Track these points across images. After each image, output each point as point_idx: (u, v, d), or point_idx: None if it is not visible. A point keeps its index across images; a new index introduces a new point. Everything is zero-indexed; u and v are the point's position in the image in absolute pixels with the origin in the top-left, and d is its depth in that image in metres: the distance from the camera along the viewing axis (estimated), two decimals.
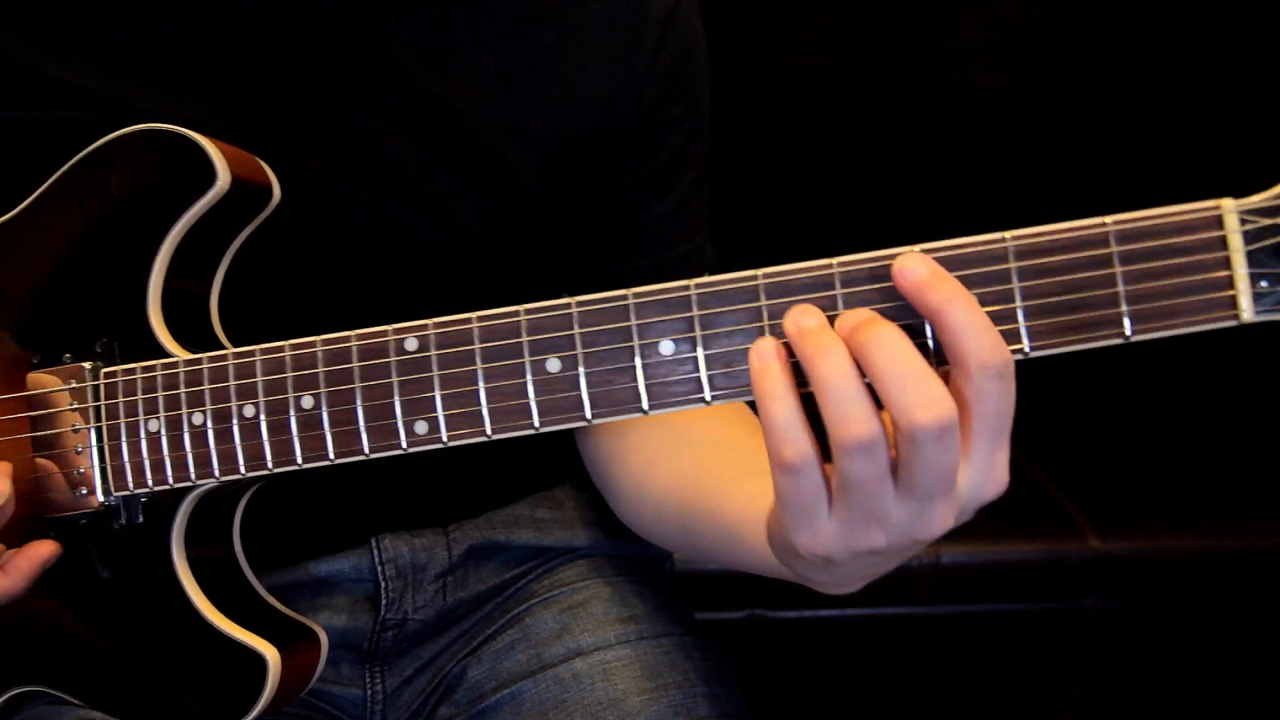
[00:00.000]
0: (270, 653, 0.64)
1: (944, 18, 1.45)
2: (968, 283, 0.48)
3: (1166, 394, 1.60)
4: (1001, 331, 0.47)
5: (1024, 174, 1.53)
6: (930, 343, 0.49)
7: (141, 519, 0.65)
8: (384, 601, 0.78)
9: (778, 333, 0.51)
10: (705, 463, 0.71)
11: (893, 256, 0.49)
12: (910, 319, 0.49)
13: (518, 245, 0.76)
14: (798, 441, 0.47)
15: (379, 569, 0.78)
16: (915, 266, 0.48)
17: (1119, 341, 0.47)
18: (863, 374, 0.47)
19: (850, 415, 0.46)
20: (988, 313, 0.48)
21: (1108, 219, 0.46)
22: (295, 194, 0.69)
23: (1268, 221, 0.44)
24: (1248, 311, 0.45)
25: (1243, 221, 0.45)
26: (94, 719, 0.68)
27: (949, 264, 0.49)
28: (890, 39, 1.47)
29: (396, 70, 0.70)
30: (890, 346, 0.46)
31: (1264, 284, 0.44)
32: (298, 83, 0.69)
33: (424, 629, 0.80)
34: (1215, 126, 1.45)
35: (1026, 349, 0.48)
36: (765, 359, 0.48)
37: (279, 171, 0.68)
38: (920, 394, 0.45)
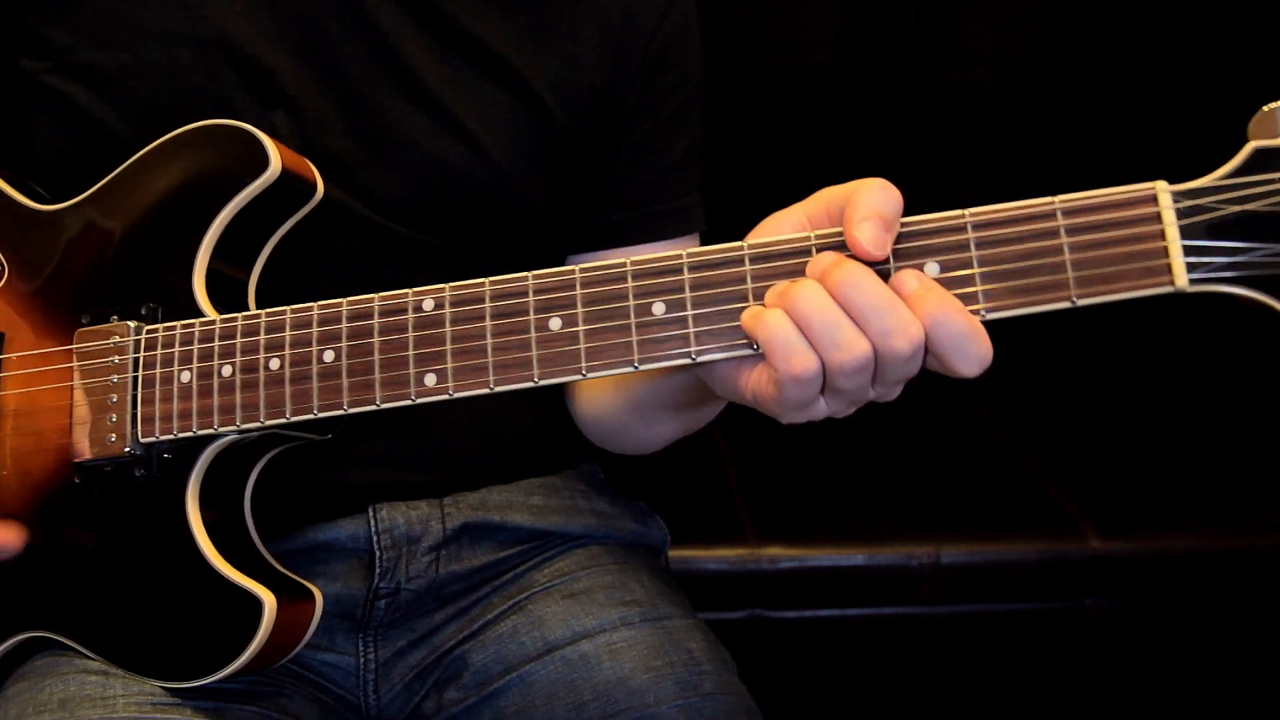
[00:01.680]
0: (268, 597, 0.67)
1: (944, 18, 1.47)
2: (931, 251, 0.54)
3: (1167, 394, 1.61)
4: (960, 295, 0.53)
5: (1022, 173, 1.54)
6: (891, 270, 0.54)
7: (161, 470, 0.69)
8: (378, 570, 0.80)
9: (760, 299, 0.56)
10: None
11: None
12: (878, 264, 0.54)
13: (543, 187, 0.82)
14: (805, 354, 0.54)
15: (375, 538, 0.80)
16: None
17: (1066, 305, 0.51)
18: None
19: (840, 340, 0.53)
20: (948, 278, 0.53)
21: (1055, 197, 0.51)
22: (347, 119, 0.76)
23: (1195, 202, 0.48)
24: (1182, 278, 0.50)
25: (1175, 199, 0.49)
26: (94, 667, 0.71)
27: (914, 235, 0.54)
28: (890, 39, 1.50)
29: (449, 11, 0.77)
30: (861, 284, 0.53)
31: (1195, 257, 0.49)
32: (356, 14, 0.76)
33: (416, 600, 0.82)
34: (1215, 126, 1.46)
35: (982, 312, 0.53)
36: (752, 310, 0.56)
37: (331, 98, 0.76)
38: (894, 321, 0.52)
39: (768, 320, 0.54)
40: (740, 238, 0.59)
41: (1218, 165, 0.51)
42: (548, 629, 0.79)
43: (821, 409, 0.56)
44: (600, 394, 0.84)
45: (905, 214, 0.54)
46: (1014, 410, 1.56)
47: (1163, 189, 0.50)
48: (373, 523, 0.81)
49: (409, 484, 0.83)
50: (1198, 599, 1.34)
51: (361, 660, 0.82)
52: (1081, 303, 0.51)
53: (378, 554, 0.80)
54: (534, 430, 0.89)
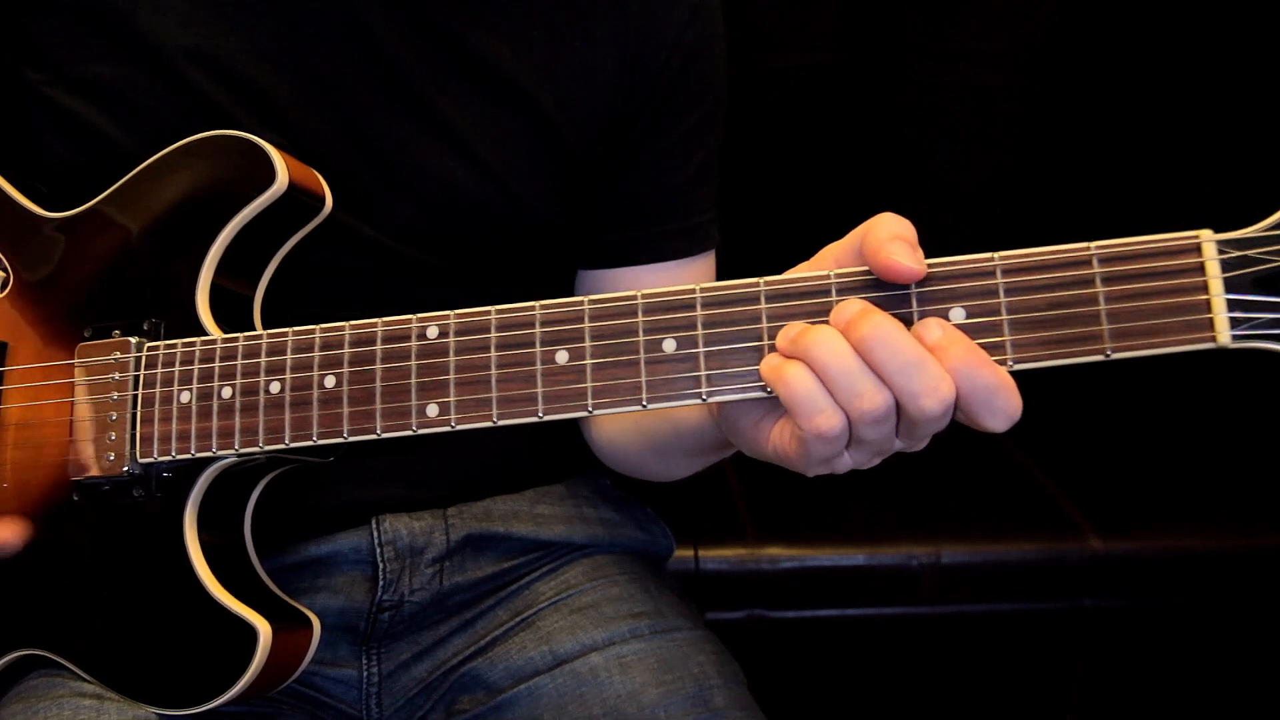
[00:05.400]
0: (262, 626, 0.66)
1: (944, 18, 1.44)
2: (957, 296, 0.51)
3: (1166, 395, 1.59)
4: (987, 344, 0.50)
5: (1023, 173, 1.51)
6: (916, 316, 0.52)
7: (160, 490, 0.68)
8: (381, 582, 0.79)
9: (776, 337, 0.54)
10: None
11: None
12: (901, 308, 0.52)
13: (553, 208, 0.80)
14: (830, 411, 0.51)
15: (378, 550, 0.80)
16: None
17: (1100, 358, 0.49)
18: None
19: (860, 390, 0.50)
20: (974, 324, 0.51)
21: (1091, 243, 0.49)
22: (351, 142, 0.74)
23: (1243, 253, 0.46)
24: (1224, 335, 0.47)
25: (1220, 250, 0.47)
26: (88, 690, 0.70)
27: (940, 278, 0.51)
28: (890, 38, 1.47)
29: (455, 30, 0.74)
30: (889, 340, 0.50)
31: (1239, 312, 0.46)
32: (359, 35, 0.73)
33: (420, 612, 0.82)
34: (1215, 127, 1.44)
35: (1010, 362, 0.50)
36: (772, 362, 0.52)
37: (334, 121, 0.73)
38: (924, 381, 0.49)
39: (789, 376, 0.51)
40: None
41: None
42: (556, 642, 0.79)
43: (845, 462, 0.54)
44: (618, 431, 0.83)
45: (917, 233, 0.52)
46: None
47: (1207, 238, 0.48)
48: (376, 534, 0.80)
49: (413, 500, 0.82)
50: (1197, 599, 1.34)
51: (365, 673, 0.81)
52: (1116, 356, 0.49)
53: (381, 566, 0.80)
54: (538, 441, 0.88)
